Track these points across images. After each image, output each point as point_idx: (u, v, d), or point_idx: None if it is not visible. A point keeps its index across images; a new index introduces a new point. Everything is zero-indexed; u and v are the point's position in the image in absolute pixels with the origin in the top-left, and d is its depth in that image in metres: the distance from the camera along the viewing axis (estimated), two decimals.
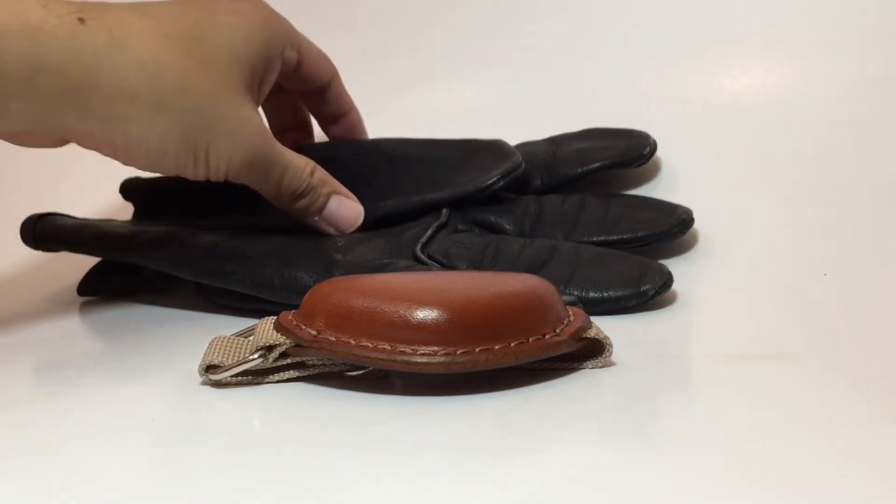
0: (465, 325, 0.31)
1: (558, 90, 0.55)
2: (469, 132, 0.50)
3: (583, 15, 0.57)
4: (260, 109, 0.46)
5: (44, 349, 0.40)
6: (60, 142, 0.40)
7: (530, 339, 0.32)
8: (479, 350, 0.31)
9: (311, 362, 0.33)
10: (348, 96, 0.51)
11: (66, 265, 0.51)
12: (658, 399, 0.31)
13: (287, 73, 0.47)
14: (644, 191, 0.50)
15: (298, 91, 0.50)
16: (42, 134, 0.39)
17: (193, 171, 0.41)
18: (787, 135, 0.51)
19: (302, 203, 0.44)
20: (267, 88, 0.45)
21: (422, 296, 0.32)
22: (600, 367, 0.34)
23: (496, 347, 0.32)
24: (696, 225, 0.45)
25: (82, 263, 0.49)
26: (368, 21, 0.61)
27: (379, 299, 0.32)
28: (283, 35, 0.45)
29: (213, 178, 0.41)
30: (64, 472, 0.27)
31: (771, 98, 0.52)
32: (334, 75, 0.50)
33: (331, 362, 0.33)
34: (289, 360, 0.33)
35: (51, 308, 0.47)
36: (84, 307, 0.47)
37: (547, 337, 0.33)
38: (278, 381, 0.33)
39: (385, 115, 0.55)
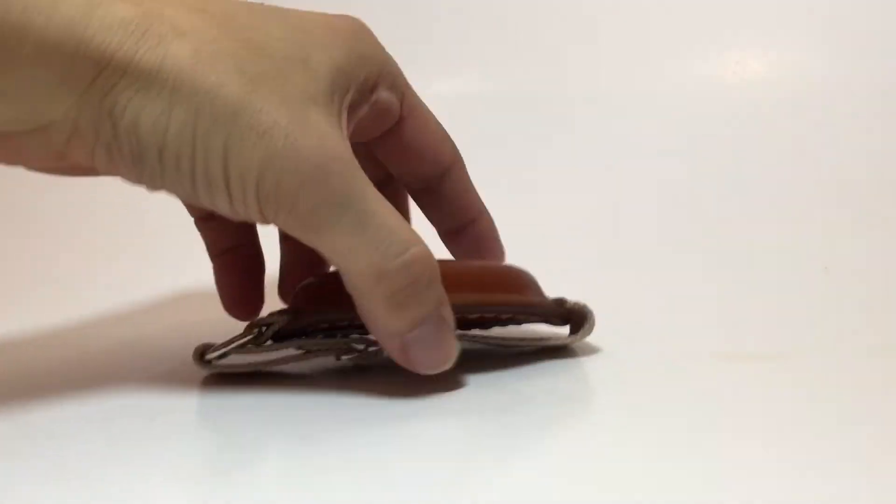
0: (453, 280, 0.31)
1: (558, 88, 0.55)
2: (471, 128, 0.50)
3: (583, 12, 0.57)
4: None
5: (41, 349, 0.40)
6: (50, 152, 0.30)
7: (513, 297, 0.33)
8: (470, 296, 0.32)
9: (305, 347, 0.33)
10: (476, 195, 0.37)
11: (70, 261, 0.51)
12: (658, 399, 0.31)
13: (381, 123, 0.34)
14: (644, 188, 0.50)
15: (403, 175, 0.37)
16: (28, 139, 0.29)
17: (206, 184, 0.29)
18: (787, 130, 0.51)
19: (392, 304, 0.30)
20: (350, 123, 0.32)
21: None
22: (586, 343, 0.35)
23: (479, 297, 0.32)
24: (696, 223, 0.45)
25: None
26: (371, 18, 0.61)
27: None
28: (381, 66, 0.33)
29: (240, 208, 0.29)
30: (63, 470, 0.27)
31: (771, 94, 0.52)
32: (455, 161, 0.36)
33: (326, 347, 0.33)
34: (284, 345, 0.33)
35: (50, 311, 0.47)
36: (84, 310, 0.47)
37: (529, 298, 0.34)
38: (272, 366, 0.33)
39: None
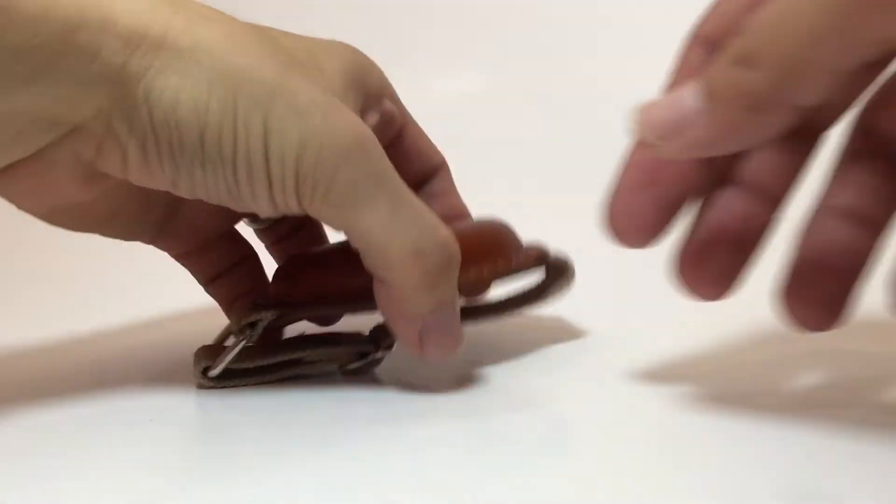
0: None
1: (557, 88, 0.55)
2: (470, 128, 0.50)
3: (582, 13, 0.57)
4: None
5: (40, 351, 0.40)
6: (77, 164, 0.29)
7: (499, 263, 0.34)
8: None
9: (307, 358, 0.33)
10: (460, 199, 0.38)
11: (71, 262, 0.51)
12: (659, 399, 0.31)
13: (386, 131, 0.35)
14: None
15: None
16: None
17: (247, 168, 0.28)
18: None
19: (427, 282, 0.30)
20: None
21: None
22: (566, 290, 0.36)
23: (469, 272, 0.32)
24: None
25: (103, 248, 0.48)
26: (368, 14, 0.61)
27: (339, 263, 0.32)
28: (381, 79, 0.35)
29: (279, 194, 0.29)
30: (62, 474, 0.27)
31: None
32: (441, 164, 0.38)
33: (328, 357, 0.33)
34: (283, 358, 0.33)
35: (49, 311, 0.47)
36: (81, 316, 0.47)
37: (513, 261, 0.34)
38: (276, 380, 0.33)
39: None
